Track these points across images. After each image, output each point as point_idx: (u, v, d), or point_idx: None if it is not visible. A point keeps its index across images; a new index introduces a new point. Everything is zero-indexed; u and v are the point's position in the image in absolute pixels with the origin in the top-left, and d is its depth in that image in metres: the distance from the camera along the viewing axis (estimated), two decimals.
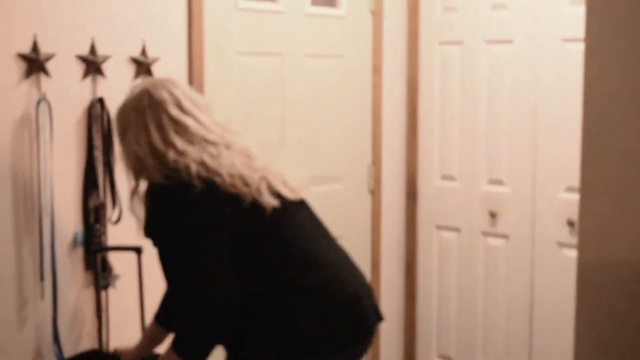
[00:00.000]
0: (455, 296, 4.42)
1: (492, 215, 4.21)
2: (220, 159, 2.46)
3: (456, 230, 4.39)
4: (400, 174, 4.54)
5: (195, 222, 2.43)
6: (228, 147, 2.51)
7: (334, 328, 2.50)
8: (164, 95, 2.53)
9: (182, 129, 2.49)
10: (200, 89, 3.48)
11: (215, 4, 3.60)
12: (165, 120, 2.50)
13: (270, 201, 2.47)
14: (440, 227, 4.47)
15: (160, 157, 2.46)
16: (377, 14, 4.31)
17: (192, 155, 2.44)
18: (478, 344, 4.34)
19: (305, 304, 2.48)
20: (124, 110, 2.58)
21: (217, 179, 2.42)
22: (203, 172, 2.42)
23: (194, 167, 2.42)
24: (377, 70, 4.34)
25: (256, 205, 2.45)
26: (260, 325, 2.47)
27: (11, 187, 3.02)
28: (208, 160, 2.44)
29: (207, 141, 2.49)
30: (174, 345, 2.43)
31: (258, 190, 2.46)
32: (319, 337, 2.49)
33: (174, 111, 2.51)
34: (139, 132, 2.51)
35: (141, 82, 2.67)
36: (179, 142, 2.47)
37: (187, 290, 2.43)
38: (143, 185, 2.55)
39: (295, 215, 2.56)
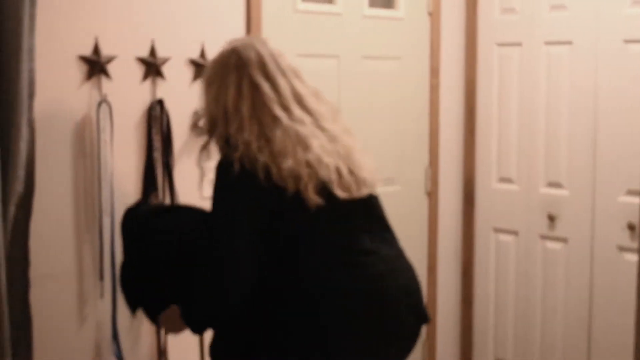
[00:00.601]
0: (512, 300, 4.38)
1: (551, 218, 4.16)
2: (272, 144, 2.43)
3: (514, 233, 4.35)
4: (458, 176, 4.51)
5: (226, 205, 2.45)
6: (285, 130, 2.45)
7: (362, 330, 2.46)
8: (251, 55, 2.53)
9: (256, 95, 2.49)
10: None
11: (274, 5, 3.62)
12: (245, 83, 2.50)
13: (315, 199, 2.41)
14: (497, 230, 4.43)
15: (226, 125, 2.48)
16: (434, 15, 4.29)
17: (244, 135, 2.43)
18: (535, 349, 4.30)
19: (334, 306, 2.43)
20: (212, 65, 2.61)
21: (259, 167, 2.39)
22: (246, 157, 2.40)
23: (240, 148, 2.42)
24: (434, 71, 4.33)
25: (299, 200, 2.41)
26: (289, 327, 2.45)
27: (72, 188, 3.06)
28: (254, 145, 2.41)
29: (272, 116, 2.47)
30: (181, 307, 2.56)
31: (305, 185, 2.40)
32: (346, 339, 2.44)
33: (256, 74, 2.51)
34: (219, 91, 2.53)
35: (233, 40, 2.66)
36: (245, 112, 2.46)
37: (206, 263, 2.48)
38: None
39: (341, 216, 2.48)
